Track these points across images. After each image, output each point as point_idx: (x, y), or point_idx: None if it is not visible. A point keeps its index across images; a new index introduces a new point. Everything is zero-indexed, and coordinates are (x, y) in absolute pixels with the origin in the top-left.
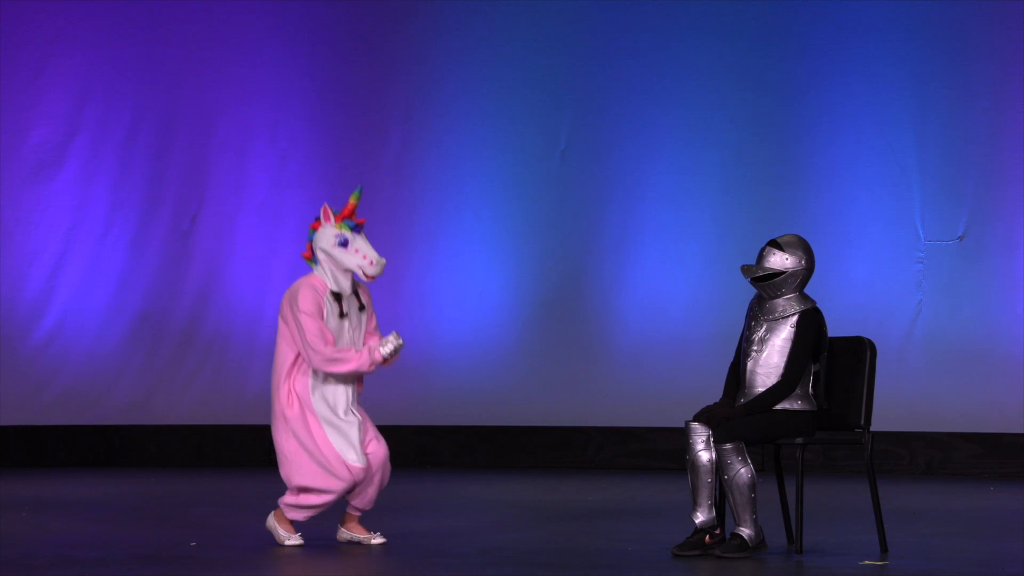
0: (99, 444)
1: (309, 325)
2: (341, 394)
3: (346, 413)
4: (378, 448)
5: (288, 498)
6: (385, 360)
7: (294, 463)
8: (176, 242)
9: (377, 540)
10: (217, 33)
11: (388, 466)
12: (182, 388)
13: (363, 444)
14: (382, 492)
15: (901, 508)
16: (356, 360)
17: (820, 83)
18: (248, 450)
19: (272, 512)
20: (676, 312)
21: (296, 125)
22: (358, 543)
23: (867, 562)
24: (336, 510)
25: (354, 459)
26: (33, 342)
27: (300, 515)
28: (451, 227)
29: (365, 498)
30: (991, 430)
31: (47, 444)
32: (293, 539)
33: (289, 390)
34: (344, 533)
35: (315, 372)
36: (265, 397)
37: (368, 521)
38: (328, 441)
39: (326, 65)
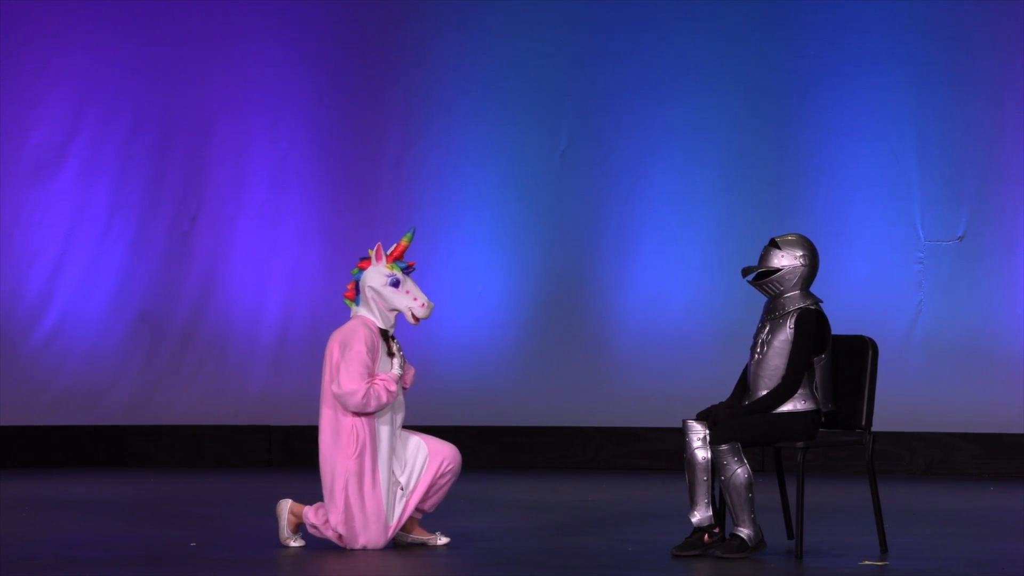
0: (99, 444)
1: (366, 360)
2: (393, 431)
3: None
4: (453, 457)
5: (315, 520)
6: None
7: (341, 511)
8: (176, 242)
9: (442, 540)
10: (217, 33)
11: (459, 472)
12: (182, 388)
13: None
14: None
15: (901, 508)
16: (384, 390)
17: (820, 83)
18: (248, 450)
19: (288, 502)
20: (676, 312)
21: (296, 125)
22: (422, 544)
23: (867, 562)
24: None
25: (386, 526)
26: (33, 342)
27: (318, 534)
28: (451, 227)
29: (432, 501)
30: (991, 430)
31: (47, 444)
32: (296, 541)
33: (352, 430)
34: (406, 537)
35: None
36: (265, 397)
37: None
38: (381, 497)
39: (326, 65)
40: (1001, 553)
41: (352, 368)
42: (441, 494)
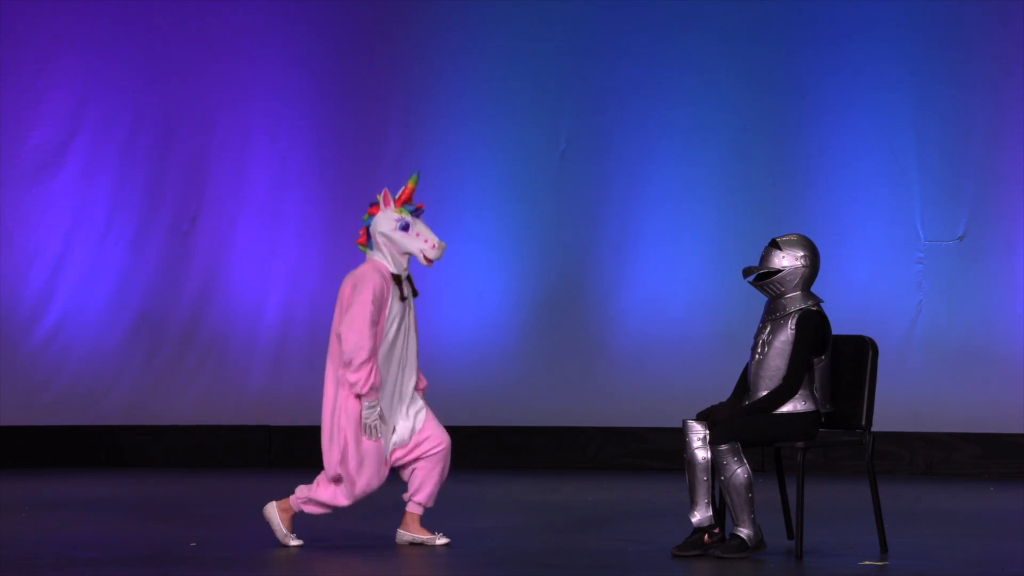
0: (99, 444)
1: (369, 311)
2: (403, 388)
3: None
4: (441, 439)
5: (305, 492)
6: (366, 418)
7: (340, 451)
8: (176, 242)
9: (441, 541)
10: (217, 33)
11: (448, 459)
12: (182, 388)
13: (418, 435)
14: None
15: (901, 508)
16: (364, 382)
17: (820, 82)
18: (248, 450)
19: (272, 503)
20: (676, 312)
21: (296, 125)
22: (420, 544)
23: (867, 562)
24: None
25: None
26: (33, 342)
27: (315, 509)
28: (451, 227)
29: (426, 492)
30: (991, 430)
31: (47, 444)
32: (293, 540)
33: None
34: (405, 535)
35: (384, 362)
36: (265, 397)
37: (360, 520)
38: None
39: (326, 65)
40: (1001, 553)
41: (355, 317)
42: (434, 482)
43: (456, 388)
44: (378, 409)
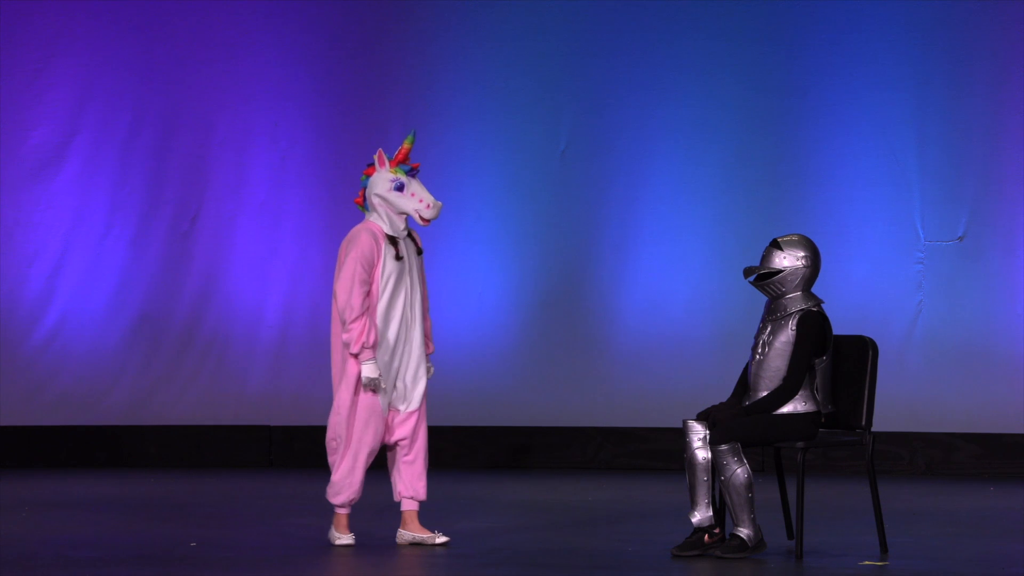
0: (99, 444)
1: (356, 270)
2: (410, 346)
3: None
4: (418, 433)
5: (328, 496)
6: (364, 376)
7: (337, 411)
8: (176, 242)
9: (440, 539)
10: (217, 33)
11: (426, 449)
12: (182, 388)
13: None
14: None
15: (901, 508)
16: (356, 340)
17: (820, 83)
18: (248, 450)
19: (331, 527)
20: (676, 312)
21: (296, 125)
22: (420, 544)
23: (867, 562)
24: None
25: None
26: (33, 342)
27: (342, 497)
28: (451, 227)
29: (415, 487)
30: (991, 430)
31: (47, 444)
32: (345, 539)
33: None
34: (406, 535)
35: (383, 321)
36: (265, 397)
37: (360, 520)
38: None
39: (326, 65)
40: (1001, 553)
41: (343, 276)
42: (419, 474)
43: (456, 388)
44: (377, 369)
